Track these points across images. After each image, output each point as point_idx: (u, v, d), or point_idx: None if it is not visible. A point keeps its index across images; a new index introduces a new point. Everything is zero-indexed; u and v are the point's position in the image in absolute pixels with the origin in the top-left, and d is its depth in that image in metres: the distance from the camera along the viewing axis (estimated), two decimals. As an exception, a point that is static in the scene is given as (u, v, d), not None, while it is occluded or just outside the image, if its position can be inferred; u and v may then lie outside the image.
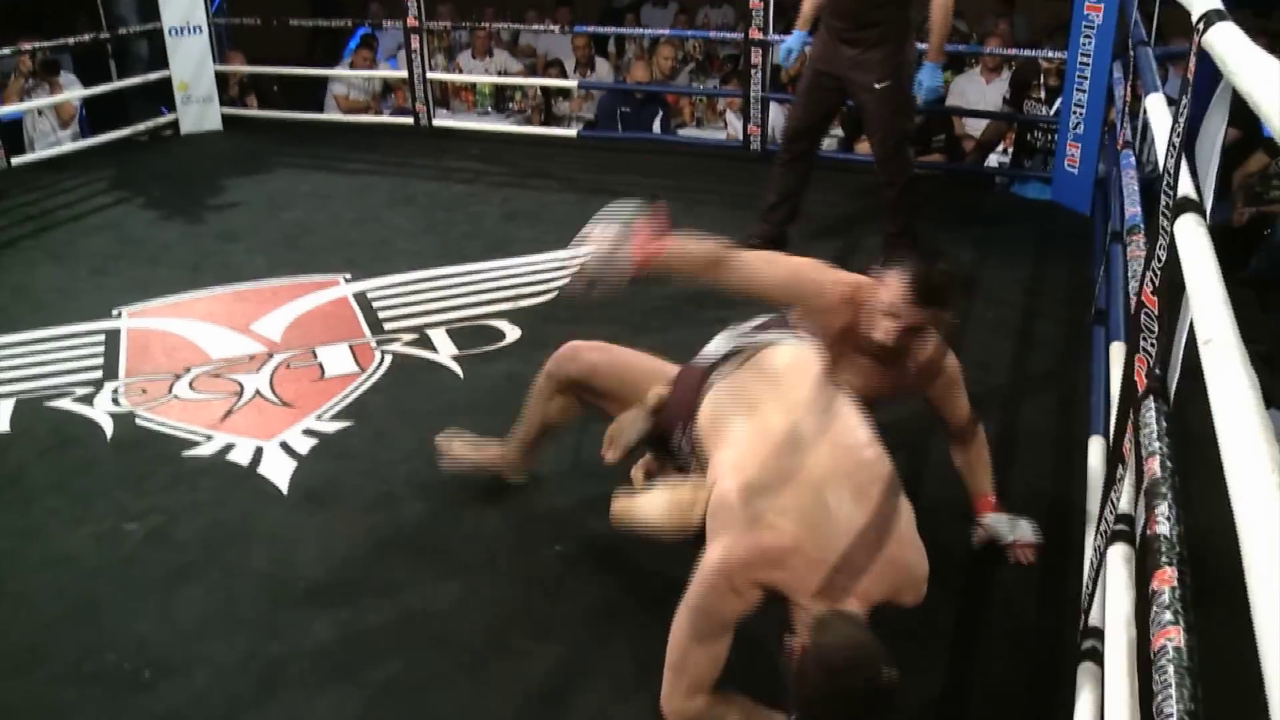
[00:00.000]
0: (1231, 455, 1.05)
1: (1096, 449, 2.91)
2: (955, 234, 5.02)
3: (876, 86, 3.99)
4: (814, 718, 1.79)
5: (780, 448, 1.98)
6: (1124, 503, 2.00)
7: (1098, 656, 2.09)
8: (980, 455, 2.68)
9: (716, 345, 2.38)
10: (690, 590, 1.94)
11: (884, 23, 3.98)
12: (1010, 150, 6.02)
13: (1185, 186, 1.74)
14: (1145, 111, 4.01)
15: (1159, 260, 1.77)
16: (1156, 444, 1.64)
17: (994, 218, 5.34)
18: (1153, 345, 1.81)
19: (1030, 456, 3.09)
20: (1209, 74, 1.71)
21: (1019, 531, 2.64)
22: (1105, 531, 2.02)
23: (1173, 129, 1.74)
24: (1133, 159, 3.35)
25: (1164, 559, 1.38)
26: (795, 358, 2.22)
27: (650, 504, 2.16)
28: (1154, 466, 1.58)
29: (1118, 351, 2.86)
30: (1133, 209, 2.81)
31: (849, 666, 1.72)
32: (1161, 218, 1.75)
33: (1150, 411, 1.75)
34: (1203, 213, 1.65)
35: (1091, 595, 2.12)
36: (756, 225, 4.40)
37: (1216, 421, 1.12)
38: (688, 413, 2.23)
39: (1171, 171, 1.72)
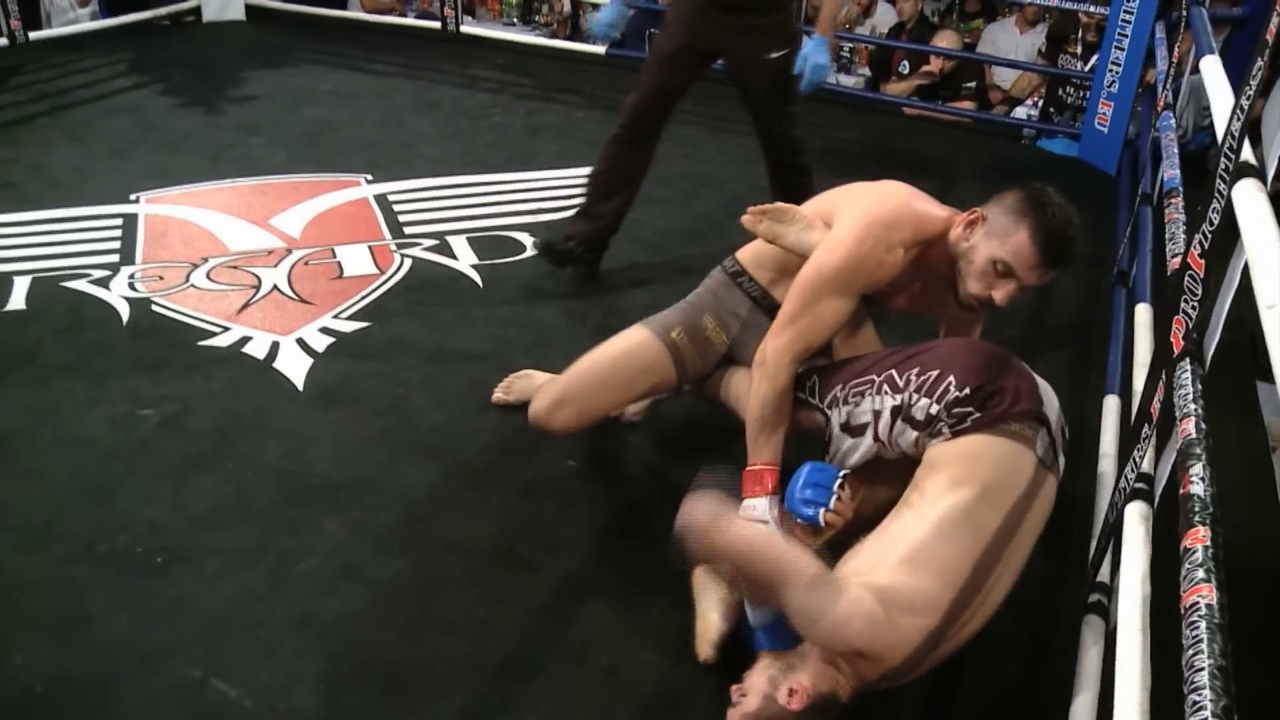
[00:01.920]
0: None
1: (1111, 407, 2.92)
2: (980, 183, 4.97)
3: (771, 57, 3.32)
4: None
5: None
6: (1145, 462, 2.01)
7: (1102, 610, 2.12)
8: None
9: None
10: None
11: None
12: (1040, 104, 5.95)
13: (1246, 151, 1.71)
14: (1189, 74, 3.97)
15: (1210, 224, 1.75)
16: (1191, 406, 1.64)
17: (1019, 170, 5.29)
18: (1194, 308, 1.80)
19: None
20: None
21: None
22: (1124, 489, 2.03)
23: (1240, 92, 1.71)
24: (1173, 121, 3.31)
25: (1197, 519, 1.38)
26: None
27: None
28: (1189, 428, 1.58)
29: (1144, 313, 2.86)
30: (1172, 171, 2.78)
31: None
32: (1219, 180, 1.72)
33: (1186, 374, 1.74)
34: (1264, 178, 1.63)
35: (1104, 550, 2.14)
36: (574, 225, 3.54)
37: None
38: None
39: (1235, 135, 1.70)
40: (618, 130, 3.44)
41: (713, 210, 4.28)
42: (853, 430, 2.18)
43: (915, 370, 2.11)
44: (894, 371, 2.14)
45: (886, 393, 2.13)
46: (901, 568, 1.81)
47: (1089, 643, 2.06)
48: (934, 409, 2.04)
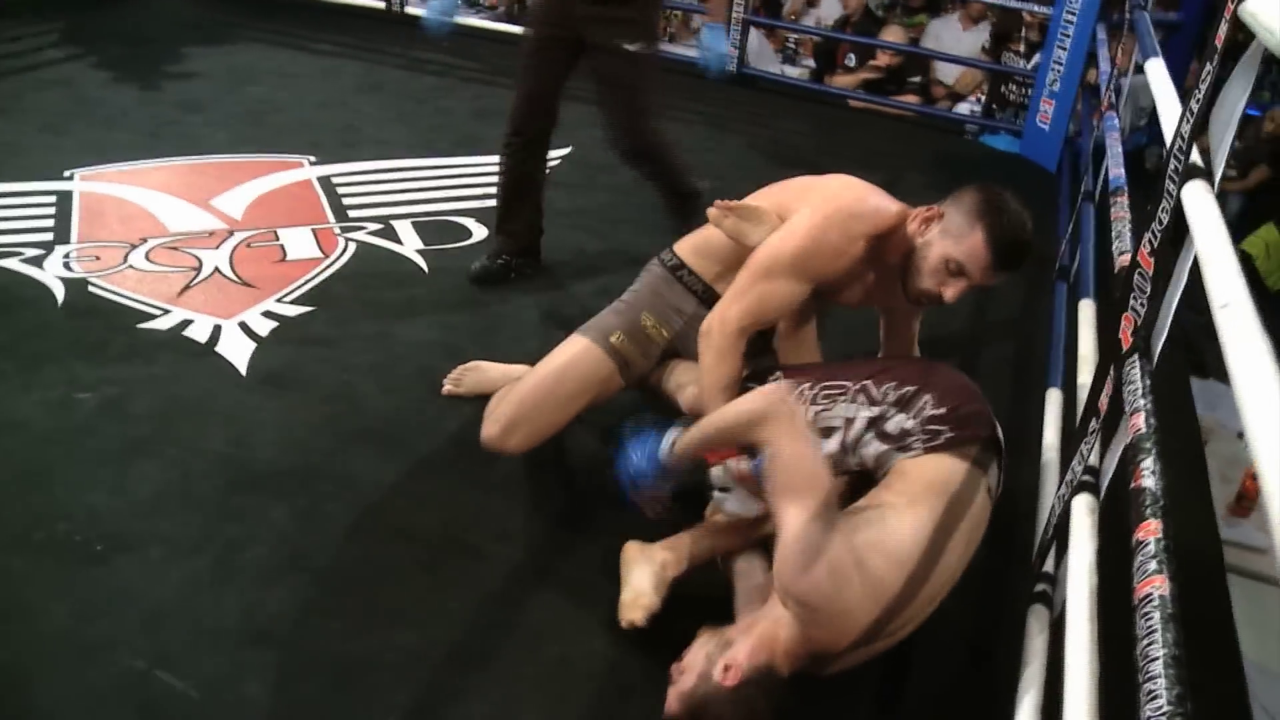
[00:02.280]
0: (1252, 417, 1.07)
1: (1054, 401, 2.97)
2: (925, 178, 5.03)
3: (629, 48, 3.13)
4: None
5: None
6: (1092, 455, 2.04)
7: (1047, 600, 2.16)
8: None
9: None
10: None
11: None
12: (983, 100, 6.03)
13: (1194, 153, 1.75)
14: (1130, 75, 4.05)
15: (1160, 223, 1.78)
16: (1141, 401, 1.67)
17: (962, 165, 5.35)
18: (1143, 305, 1.84)
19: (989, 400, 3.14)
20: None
21: None
22: (1071, 482, 2.07)
23: (1193, 94, 1.74)
24: (1117, 121, 3.37)
25: (1149, 511, 1.41)
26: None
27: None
28: (1139, 423, 1.62)
29: (1087, 308, 2.91)
30: (1117, 170, 2.84)
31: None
32: (1168, 181, 1.76)
33: (1135, 369, 1.78)
34: (1211, 180, 1.66)
35: (1050, 542, 2.17)
36: (497, 242, 3.46)
37: (1235, 382, 1.14)
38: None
39: (1185, 137, 1.73)
40: (504, 139, 3.29)
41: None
42: (820, 430, 2.17)
43: (893, 384, 2.13)
44: (870, 383, 2.15)
45: (863, 403, 2.12)
46: (873, 552, 1.85)
47: (1034, 632, 2.09)
48: (909, 424, 2.07)
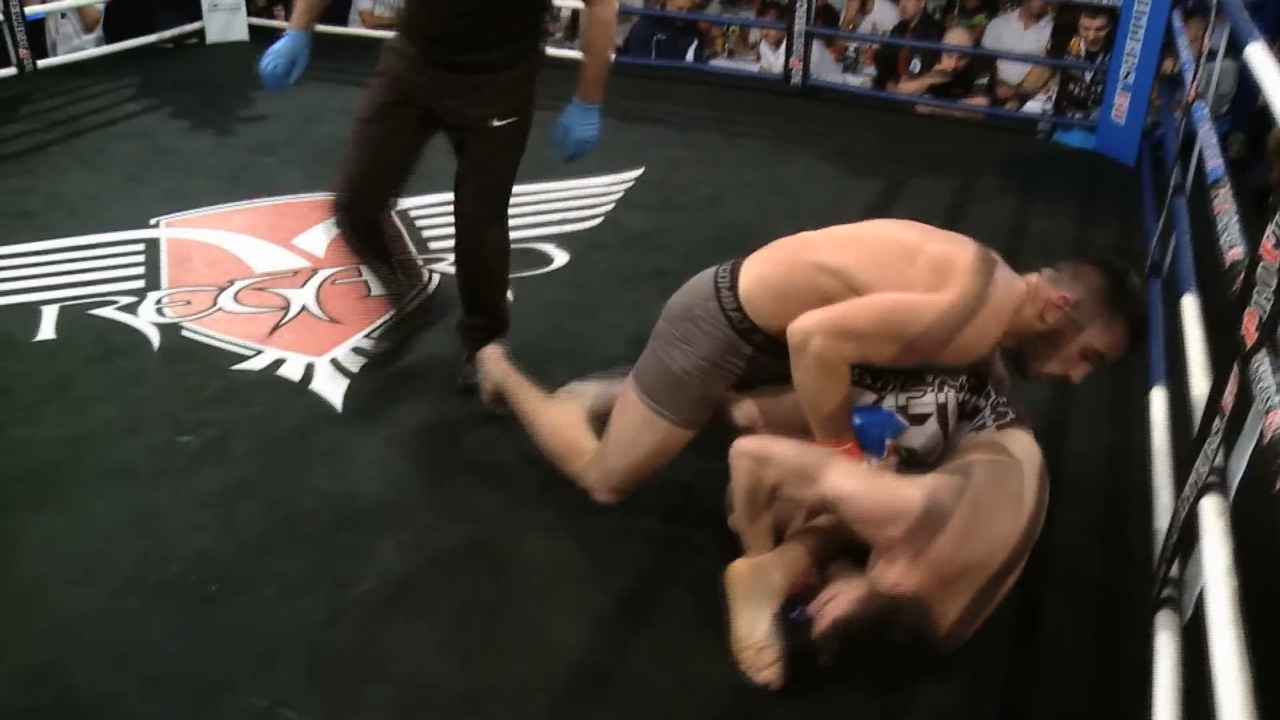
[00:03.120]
0: None
1: (1159, 400, 2.89)
2: (999, 180, 4.97)
3: (496, 124, 2.65)
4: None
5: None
6: (1217, 457, 1.98)
7: (1175, 605, 2.09)
8: None
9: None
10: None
11: (515, 39, 2.59)
12: (1053, 98, 5.93)
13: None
14: (1206, 62, 3.94)
15: (1287, 212, 1.72)
16: (1276, 398, 1.61)
17: (1037, 165, 5.27)
18: (1269, 299, 1.77)
19: (1085, 408, 3.07)
20: None
21: None
22: (1196, 484, 2.00)
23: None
24: (1206, 111, 3.29)
25: (1302, 512, 1.36)
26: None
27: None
28: (1276, 420, 1.56)
29: (1191, 305, 2.83)
30: (1215, 161, 2.75)
31: (903, 628, 1.92)
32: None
33: (1264, 365, 1.72)
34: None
35: (1175, 547, 2.10)
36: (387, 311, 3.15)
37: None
38: None
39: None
40: (336, 222, 2.81)
41: (737, 215, 4.26)
42: (912, 418, 2.21)
43: (965, 376, 2.25)
44: (947, 375, 2.24)
45: (949, 388, 2.22)
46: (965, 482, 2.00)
47: (1163, 640, 2.02)
48: (982, 405, 2.23)
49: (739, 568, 2.11)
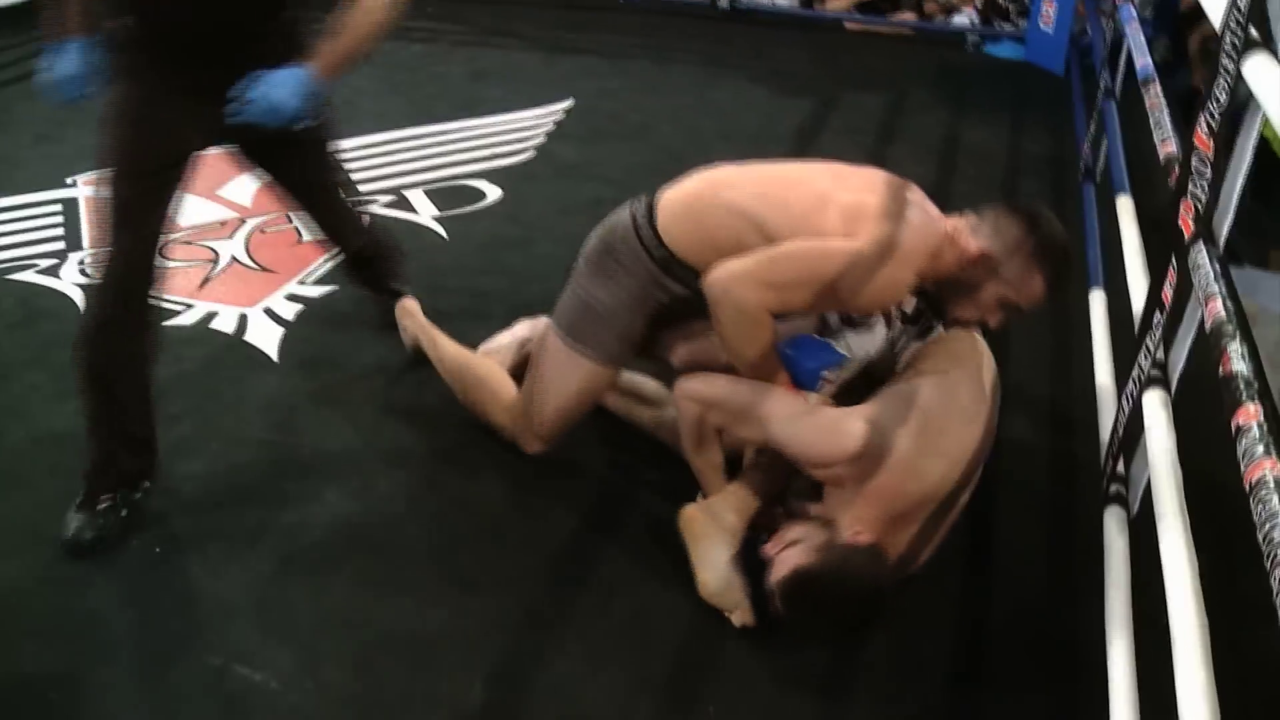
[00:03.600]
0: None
1: (1098, 301, 2.91)
2: (930, 94, 4.96)
3: (299, 129, 2.17)
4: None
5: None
6: (1159, 350, 1.99)
7: (1123, 500, 2.12)
8: None
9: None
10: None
11: (277, 34, 2.16)
12: (979, 8, 5.91)
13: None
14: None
15: (1217, 102, 1.72)
16: (1215, 286, 1.62)
17: (968, 77, 5.27)
18: (1204, 190, 1.77)
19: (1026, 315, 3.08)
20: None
21: None
22: (1139, 378, 2.02)
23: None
24: (1133, 11, 3.28)
25: (1244, 395, 1.36)
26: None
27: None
28: (1216, 308, 1.56)
29: (1125, 204, 2.85)
30: (1144, 60, 2.75)
31: (859, 584, 1.90)
32: (1225, 59, 1.69)
33: (1202, 255, 1.72)
34: (1275, 52, 1.59)
35: (1121, 443, 2.13)
36: (91, 477, 2.18)
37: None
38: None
39: (1242, 10, 1.65)
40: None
41: (670, 141, 4.21)
42: (856, 324, 2.22)
43: None
44: None
45: None
46: (906, 404, 2.02)
47: (1114, 533, 2.05)
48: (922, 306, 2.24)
49: (690, 512, 2.10)
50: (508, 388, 2.42)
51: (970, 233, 2.06)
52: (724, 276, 1.99)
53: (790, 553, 1.93)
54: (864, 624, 1.99)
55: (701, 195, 2.15)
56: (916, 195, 2.08)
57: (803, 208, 2.04)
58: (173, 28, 2.06)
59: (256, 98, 2.07)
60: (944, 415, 2.01)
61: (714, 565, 2.04)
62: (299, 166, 2.45)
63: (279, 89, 2.09)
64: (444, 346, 2.57)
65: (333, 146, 2.54)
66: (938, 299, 2.17)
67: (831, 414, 2.04)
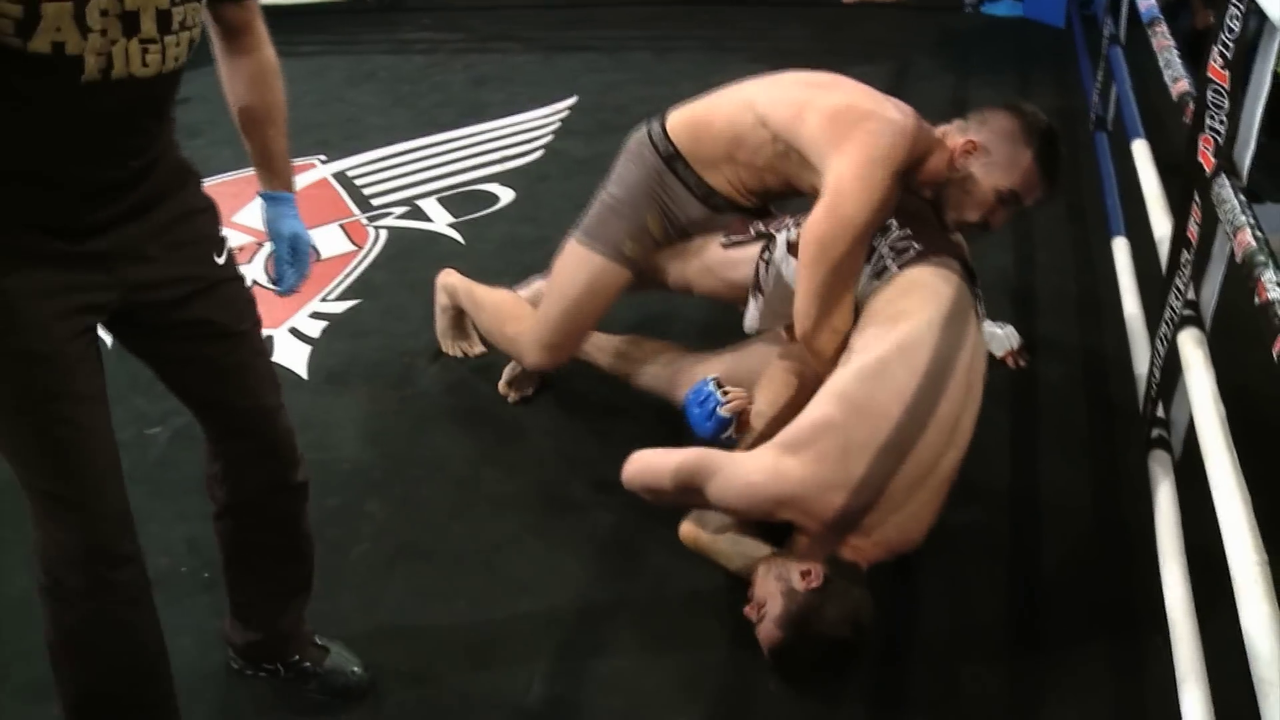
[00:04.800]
0: None
1: (1122, 247, 2.89)
2: (934, 59, 4.93)
3: (220, 265, 1.60)
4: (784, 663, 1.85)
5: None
6: (1189, 289, 1.98)
7: (1166, 445, 2.10)
8: None
9: None
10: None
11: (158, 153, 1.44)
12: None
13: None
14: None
15: (1230, 31, 1.70)
16: (1242, 217, 1.60)
17: (968, 38, 5.24)
18: (1222, 122, 1.76)
19: (1050, 269, 3.07)
20: None
21: (1008, 339, 2.63)
22: (1172, 319, 2.00)
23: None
24: (1131, -48, 3.24)
25: (1284, 324, 1.34)
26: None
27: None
28: (1246, 238, 1.55)
29: (1141, 148, 2.82)
30: (1147, 2, 2.72)
31: (833, 633, 1.80)
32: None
33: (1226, 189, 1.70)
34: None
35: (1159, 387, 2.11)
36: None
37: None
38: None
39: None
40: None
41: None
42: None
43: None
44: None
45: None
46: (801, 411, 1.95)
47: (1160, 477, 2.04)
48: (877, 242, 2.11)
49: (686, 530, 2.11)
50: (526, 309, 2.53)
51: (958, 131, 2.13)
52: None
53: (762, 629, 1.84)
54: (856, 656, 1.87)
55: (712, 97, 2.33)
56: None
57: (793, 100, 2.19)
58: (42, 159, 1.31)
59: (301, 249, 1.76)
60: (896, 394, 1.88)
61: (741, 555, 2.03)
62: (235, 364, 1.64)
63: (301, 226, 1.76)
64: (473, 286, 2.68)
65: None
66: (937, 205, 2.17)
67: (760, 459, 1.91)
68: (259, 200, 1.75)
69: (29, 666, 1.97)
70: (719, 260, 2.29)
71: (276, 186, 1.71)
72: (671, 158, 2.28)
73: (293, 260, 1.77)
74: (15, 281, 1.32)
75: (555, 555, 2.14)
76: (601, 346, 2.55)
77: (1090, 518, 2.20)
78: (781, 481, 1.85)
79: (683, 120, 2.30)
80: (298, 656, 1.87)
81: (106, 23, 1.22)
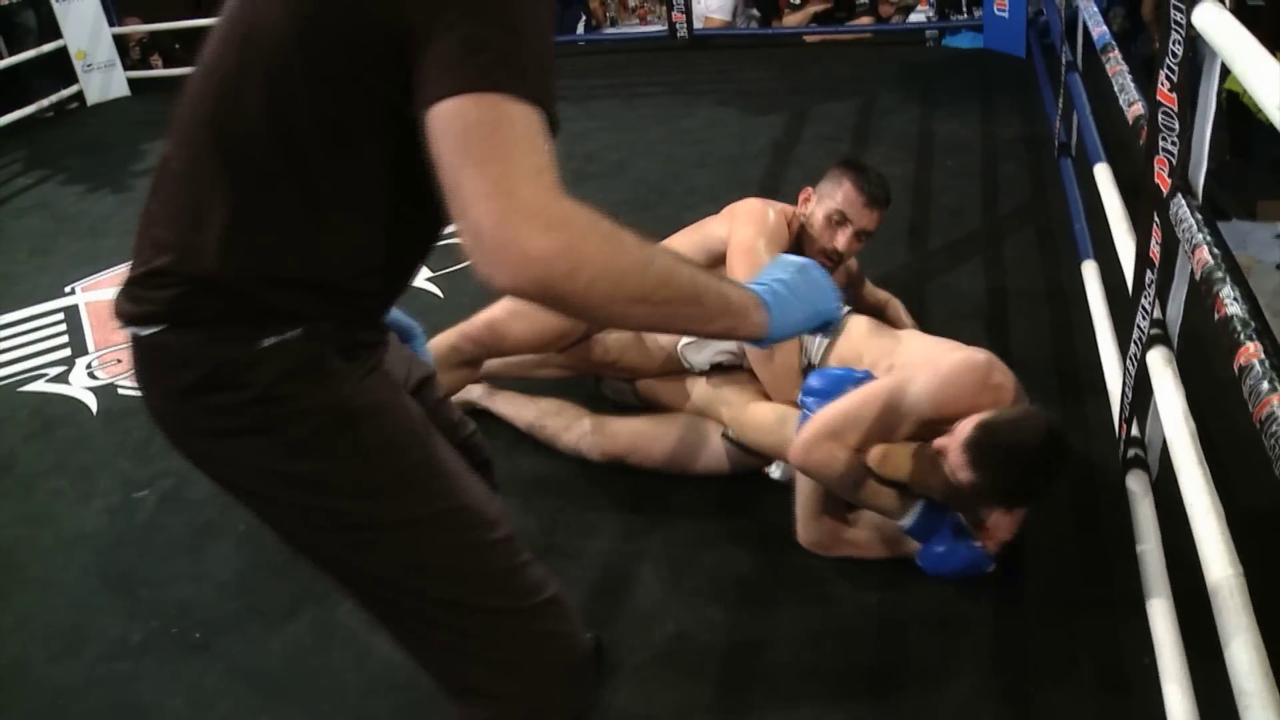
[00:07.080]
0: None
1: (1091, 271, 2.94)
2: (898, 93, 5.01)
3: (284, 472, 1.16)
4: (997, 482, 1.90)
5: None
6: (1155, 308, 2.01)
7: (1143, 463, 2.13)
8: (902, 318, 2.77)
9: None
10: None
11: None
12: (934, 3, 5.98)
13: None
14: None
15: (1173, 55, 1.75)
16: (1199, 235, 1.64)
17: (931, 71, 5.33)
18: (1174, 143, 1.80)
19: (1021, 289, 3.12)
20: None
21: None
22: (1140, 339, 2.04)
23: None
24: (1083, -18, 3.32)
25: (1242, 337, 1.38)
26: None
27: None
28: (1203, 256, 1.59)
29: (1103, 172, 2.88)
30: (1100, 28, 2.79)
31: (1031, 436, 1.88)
32: (1173, 11, 1.73)
33: (1182, 208, 1.75)
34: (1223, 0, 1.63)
35: (1132, 406, 2.14)
36: None
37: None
38: None
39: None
40: None
41: (648, 174, 4.26)
42: None
43: None
44: None
45: None
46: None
47: (1138, 496, 2.06)
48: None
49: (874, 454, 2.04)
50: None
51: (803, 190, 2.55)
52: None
53: (963, 423, 1.92)
54: (1058, 469, 1.93)
55: None
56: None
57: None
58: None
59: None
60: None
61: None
62: None
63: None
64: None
65: None
66: (800, 250, 2.47)
67: (955, 355, 2.12)
68: None
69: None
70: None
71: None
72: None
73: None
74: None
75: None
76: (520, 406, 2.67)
77: (1071, 541, 2.22)
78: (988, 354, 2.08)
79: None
80: None
81: None
